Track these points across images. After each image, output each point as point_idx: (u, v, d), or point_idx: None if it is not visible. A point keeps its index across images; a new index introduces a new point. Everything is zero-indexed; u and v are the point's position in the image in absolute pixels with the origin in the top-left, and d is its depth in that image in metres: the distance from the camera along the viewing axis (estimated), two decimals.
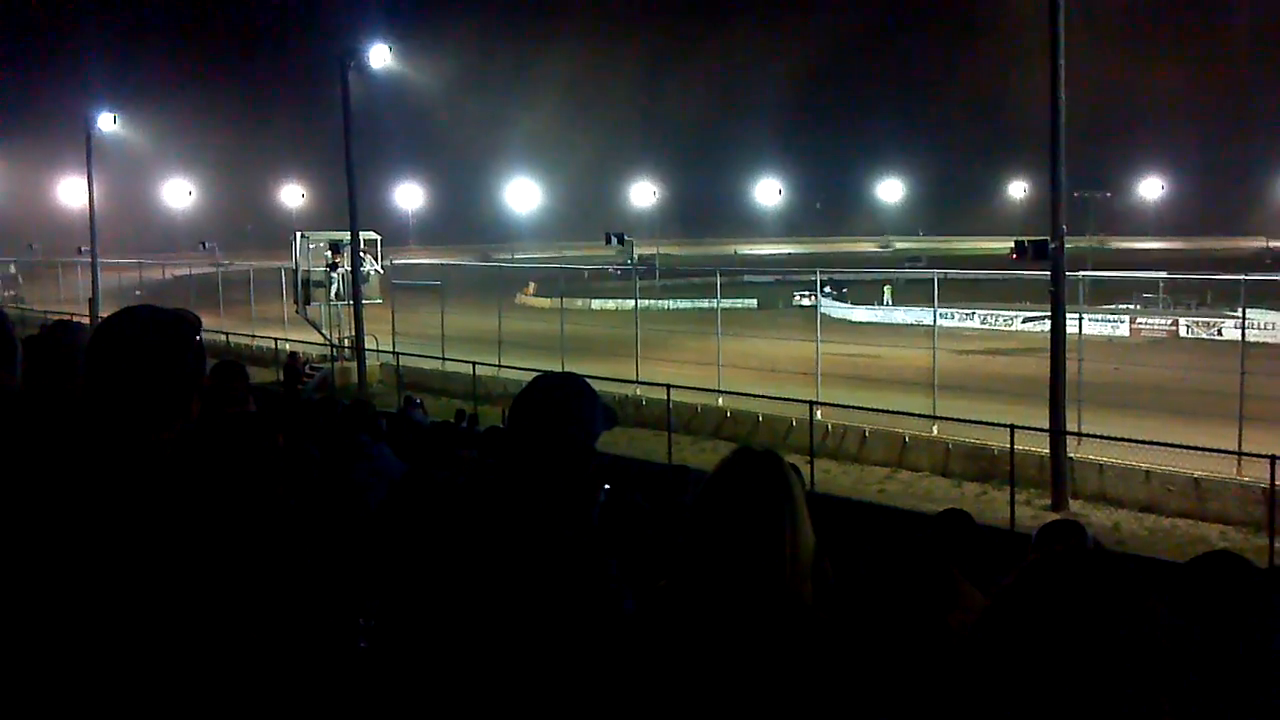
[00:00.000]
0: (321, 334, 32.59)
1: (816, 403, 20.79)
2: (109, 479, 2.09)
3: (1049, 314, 18.26)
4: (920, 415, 20.40)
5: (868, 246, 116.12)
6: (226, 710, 2.05)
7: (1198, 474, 16.62)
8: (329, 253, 32.29)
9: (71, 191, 71.27)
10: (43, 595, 1.99)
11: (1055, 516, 15.48)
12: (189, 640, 2.02)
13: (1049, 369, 17.83)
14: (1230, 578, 2.98)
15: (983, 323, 42.07)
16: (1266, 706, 2.71)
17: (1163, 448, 16.53)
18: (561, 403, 2.47)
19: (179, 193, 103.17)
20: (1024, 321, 38.97)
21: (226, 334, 35.70)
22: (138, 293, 49.38)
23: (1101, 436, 17.73)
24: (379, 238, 33.87)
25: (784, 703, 2.15)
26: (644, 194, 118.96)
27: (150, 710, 1.98)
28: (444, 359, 29.98)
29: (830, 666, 2.17)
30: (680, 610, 2.27)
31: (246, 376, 5.25)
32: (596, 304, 49.38)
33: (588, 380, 2.61)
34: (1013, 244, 19.30)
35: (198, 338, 2.32)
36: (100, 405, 2.18)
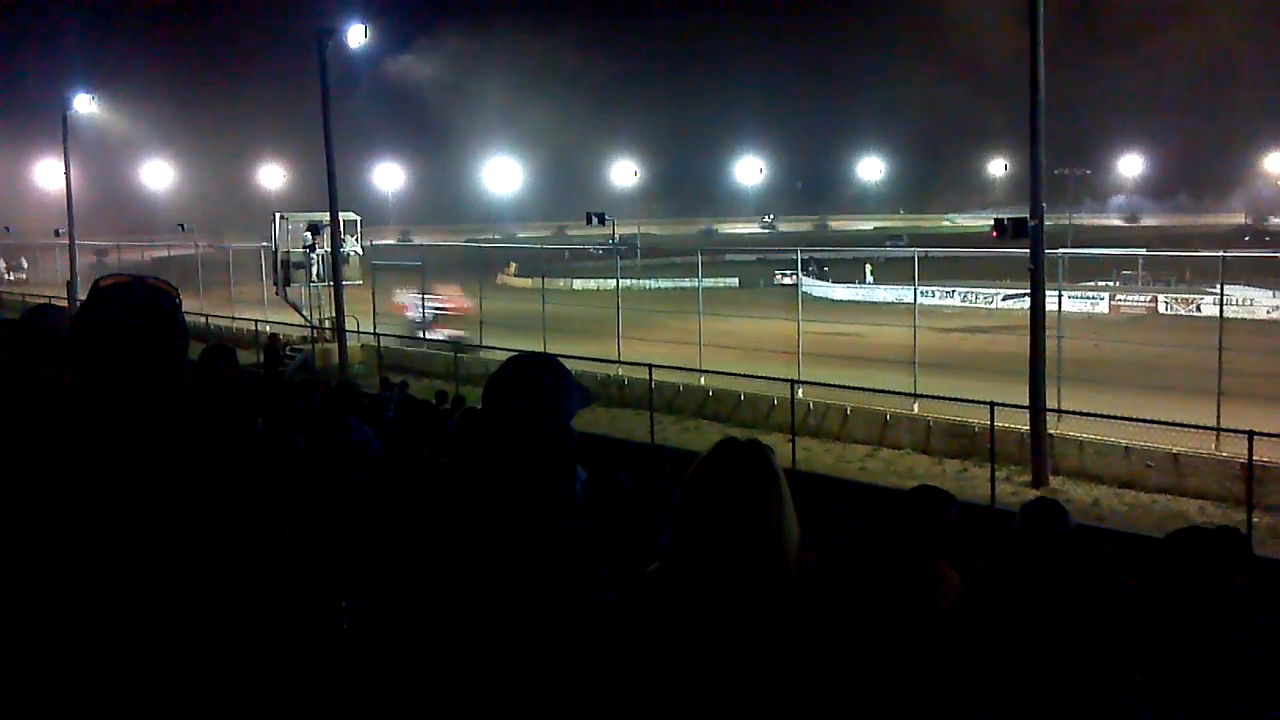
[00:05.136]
0: (302, 315, 32.46)
1: (798, 381, 20.84)
2: (103, 468, 2.08)
3: (1029, 291, 18.32)
4: (901, 393, 20.47)
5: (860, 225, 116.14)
6: (211, 693, 2.05)
7: (1177, 449, 16.74)
8: (308, 234, 32.14)
9: (48, 173, 70.77)
10: (31, 585, 1.98)
11: (1035, 493, 15.56)
12: (173, 624, 2.02)
13: (1029, 346, 17.90)
14: (1204, 553, 3.01)
15: (963, 300, 42.21)
16: (1237, 677, 2.74)
17: (1142, 424, 16.63)
18: (535, 382, 2.47)
19: (157, 174, 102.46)
20: (1004, 299, 39.13)
21: (206, 316, 35.51)
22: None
23: (1081, 413, 17.83)
24: (359, 218, 33.73)
25: (773, 686, 2.16)
26: (625, 173, 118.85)
27: (140, 692, 1.98)
28: (425, 339, 29.94)
29: (817, 651, 2.19)
30: (670, 595, 2.29)
31: (236, 361, 5.22)
32: (578, 284, 49.33)
33: (567, 360, 2.61)
34: (993, 222, 19.36)
35: (177, 307, 2.28)
36: (88, 394, 2.16)
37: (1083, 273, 40.12)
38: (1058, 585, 1.91)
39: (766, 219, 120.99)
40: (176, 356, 2.24)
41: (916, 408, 20.32)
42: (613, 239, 42.09)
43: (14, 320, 3.35)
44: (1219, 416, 16.93)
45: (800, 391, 20.69)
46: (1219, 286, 21.86)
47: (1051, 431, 17.82)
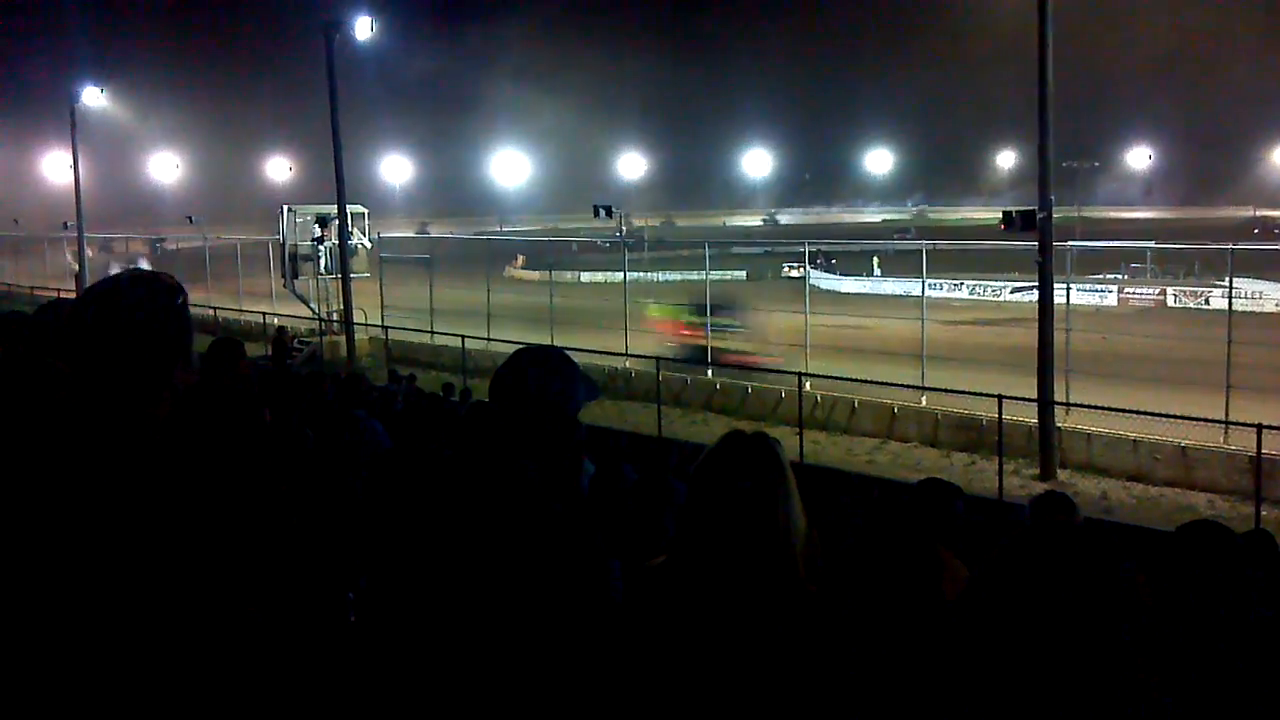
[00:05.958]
0: (310, 308, 32.45)
1: (805, 374, 20.81)
2: (105, 456, 2.08)
3: (1037, 284, 18.28)
4: (909, 386, 20.42)
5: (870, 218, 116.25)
6: (217, 684, 2.06)
7: (1185, 443, 16.70)
8: (316, 226, 32.12)
9: (56, 166, 70.82)
10: (39, 572, 1.99)
11: (1043, 486, 15.55)
12: (181, 614, 2.02)
13: (1037, 339, 17.86)
14: (1213, 546, 3.01)
15: (971, 293, 42.11)
16: (1244, 669, 2.74)
17: (1150, 417, 16.59)
18: (541, 375, 2.47)
19: (165, 167, 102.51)
20: (1012, 292, 39.00)
21: (214, 309, 35.53)
22: (126, 266, 49.17)
23: (1089, 406, 17.78)
24: (366, 211, 33.70)
25: (780, 679, 2.16)
26: (633, 166, 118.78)
27: (148, 684, 1.99)
28: (433, 332, 29.93)
29: (826, 643, 2.19)
30: (677, 589, 2.29)
31: (244, 353, 5.22)
32: (586, 276, 49.28)
33: (574, 353, 2.61)
34: (1001, 214, 19.30)
35: (180, 302, 2.30)
36: (88, 380, 2.17)
37: (1091, 265, 39.97)
38: (1066, 578, 1.91)
39: (768, 215, 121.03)
40: (175, 345, 2.25)
41: (924, 401, 20.29)
42: (620, 232, 41.99)
43: (27, 315, 3.36)
44: (1227, 410, 16.87)
45: (808, 384, 20.67)
46: (1228, 279, 21.76)
47: (1060, 424, 17.79)
